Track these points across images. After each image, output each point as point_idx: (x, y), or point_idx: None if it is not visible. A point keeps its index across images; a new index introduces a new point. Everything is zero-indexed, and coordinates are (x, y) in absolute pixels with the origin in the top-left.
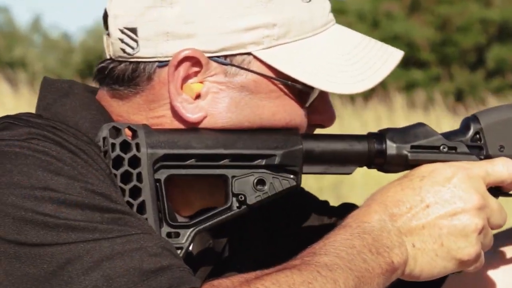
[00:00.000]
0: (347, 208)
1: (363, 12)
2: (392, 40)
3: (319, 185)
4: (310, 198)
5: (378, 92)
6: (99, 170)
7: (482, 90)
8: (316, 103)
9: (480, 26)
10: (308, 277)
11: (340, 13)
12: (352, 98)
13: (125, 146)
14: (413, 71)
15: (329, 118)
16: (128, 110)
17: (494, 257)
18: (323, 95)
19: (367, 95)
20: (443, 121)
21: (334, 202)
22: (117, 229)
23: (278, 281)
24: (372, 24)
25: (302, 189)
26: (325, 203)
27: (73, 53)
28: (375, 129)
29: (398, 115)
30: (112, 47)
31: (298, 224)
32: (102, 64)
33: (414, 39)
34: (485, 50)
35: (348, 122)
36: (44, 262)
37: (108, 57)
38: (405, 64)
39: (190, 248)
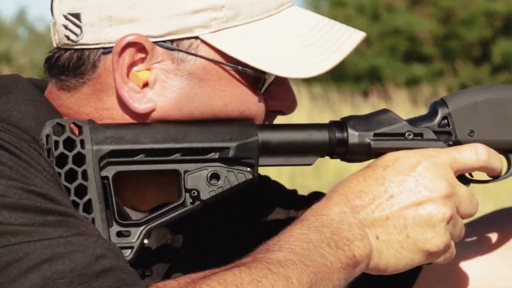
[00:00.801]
0: (317, 197)
1: (363, 5)
2: (393, 34)
3: (318, 184)
4: (276, 189)
5: (377, 88)
6: (41, 171)
7: None
8: (274, 89)
9: (485, 19)
10: (257, 275)
11: (339, 5)
12: (350, 94)
13: (69, 143)
14: (415, 66)
15: (289, 105)
16: (77, 102)
17: (471, 245)
18: (281, 80)
19: (366, 92)
20: None
21: None
22: (58, 231)
23: (225, 280)
24: (372, 17)
25: (268, 179)
26: (293, 192)
27: None
28: None
29: (399, 112)
30: (58, 34)
31: (262, 219)
32: (49, 54)
33: (416, 33)
34: (490, 44)
35: None
36: None
37: (54, 45)
38: (406, 58)
39: (146, 242)
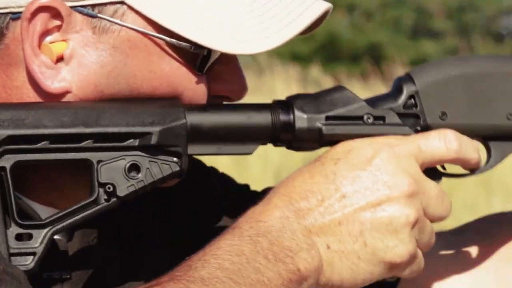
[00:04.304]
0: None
1: None
2: (397, 4)
3: None
4: (224, 183)
5: (379, 69)
6: None
7: None
8: (219, 69)
9: None
10: None
11: None
12: (347, 76)
13: None
14: (424, 42)
15: (238, 89)
16: None
17: (458, 256)
18: (228, 58)
19: (366, 73)
20: None
21: None
22: None
23: None
24: None
25: (215, 171)
26: (245, 188)
27: None
28: None
29: None
30: None
31: (205, 220)
32: None
33: (425, 4)
34: None
35: None
36: None
37: None
38: (414, 34)
39: (58, 238)
